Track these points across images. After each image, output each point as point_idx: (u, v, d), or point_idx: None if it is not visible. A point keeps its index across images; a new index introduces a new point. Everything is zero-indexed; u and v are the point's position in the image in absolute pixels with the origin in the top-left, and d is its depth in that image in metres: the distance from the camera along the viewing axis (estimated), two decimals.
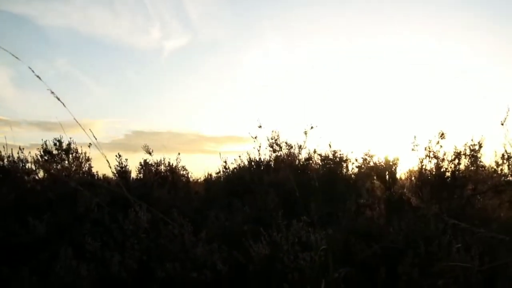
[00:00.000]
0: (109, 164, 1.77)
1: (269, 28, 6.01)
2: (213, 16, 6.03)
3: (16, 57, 1.49)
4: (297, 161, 3.36)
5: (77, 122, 1.71)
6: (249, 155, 3.60)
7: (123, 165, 3.04)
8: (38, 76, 1.55)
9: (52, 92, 1.55)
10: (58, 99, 1.56)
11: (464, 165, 2.77)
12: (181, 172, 4.07)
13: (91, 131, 1.62)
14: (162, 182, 3.74)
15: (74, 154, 3.70)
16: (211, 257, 2.09)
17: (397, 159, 2.88)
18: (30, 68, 1.52)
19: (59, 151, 3.71)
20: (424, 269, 2.02)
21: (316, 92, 6.12)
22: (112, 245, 2.20)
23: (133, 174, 3.70)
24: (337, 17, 5.81)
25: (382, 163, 2.90)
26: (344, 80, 6.06)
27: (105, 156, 1.79)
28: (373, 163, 2.94)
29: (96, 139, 1.62)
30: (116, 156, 2.81)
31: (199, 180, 4.25)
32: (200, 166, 6.17)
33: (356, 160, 3.47)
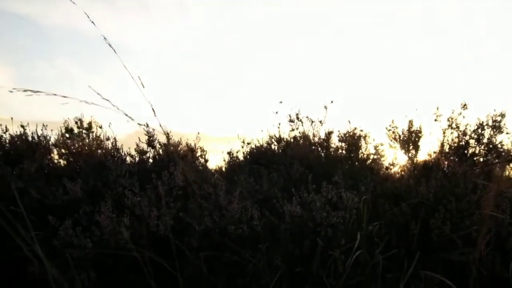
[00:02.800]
0: (154, 110, 1.84)
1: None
2: (214, 15, 6.07)
3: (73, 2, 1.57)
4: (317, 136, 3.44)
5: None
6: (269, 131, 3.68)
7: (151, 134, 3.12)
8: (93, 22, 1.64)
9: (109, 44, 1.63)
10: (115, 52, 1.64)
11: (488, 135, 2.84)
12: (200, 153, 4.15)
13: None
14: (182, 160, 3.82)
15: (95, 132, 3.80)
16: (246, 214, 2.17)
17: (420, 129, 2.95)
18: (86, 14, 1.61)
19: (80, 130, 3.81)
20: (455, 225, 2.09)
21: (327, 69, 6.12)
22: (147, 205, 2.28)
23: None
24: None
25: (405, 133, 2.98)
26: (355, 52, 6.04)
27: (151, 104, 1.87)
28: (397, 134, 3.01)
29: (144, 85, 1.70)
30: (144, 125, 2.88)
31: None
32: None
33: (374, 139, 3.57)
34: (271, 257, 2.04)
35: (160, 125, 2.27)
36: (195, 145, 4.08)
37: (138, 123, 2.25)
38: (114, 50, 1.74)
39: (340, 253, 1.99)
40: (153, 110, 2.03)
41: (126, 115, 1.87)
